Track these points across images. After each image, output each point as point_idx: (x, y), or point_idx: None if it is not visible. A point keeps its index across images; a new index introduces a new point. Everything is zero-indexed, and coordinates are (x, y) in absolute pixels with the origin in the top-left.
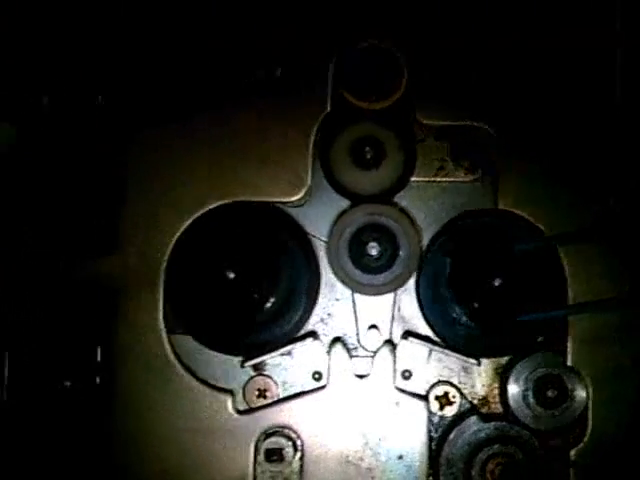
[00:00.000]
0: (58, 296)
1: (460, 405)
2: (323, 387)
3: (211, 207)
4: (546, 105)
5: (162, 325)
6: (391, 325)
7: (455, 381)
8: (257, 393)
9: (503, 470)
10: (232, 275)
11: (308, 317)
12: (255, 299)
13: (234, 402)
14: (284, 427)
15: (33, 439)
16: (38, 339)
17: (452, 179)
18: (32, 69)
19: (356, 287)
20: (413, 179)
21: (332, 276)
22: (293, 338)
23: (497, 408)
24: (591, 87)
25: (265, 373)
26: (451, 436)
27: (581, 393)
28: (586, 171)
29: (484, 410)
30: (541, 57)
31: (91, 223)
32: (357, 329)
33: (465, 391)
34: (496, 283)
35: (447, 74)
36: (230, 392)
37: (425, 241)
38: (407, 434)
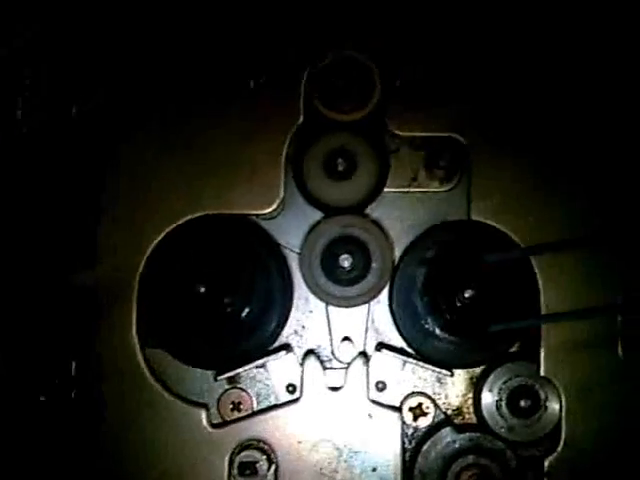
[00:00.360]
0: (33, 310)
1: (434, 416)
2: (297, 400)
3: (184, 220)
4: (519, 116)
5: (136, 339)
6: (365, 337)
7: (429, 392)
8: (231, 406)
9: None
10: (203, 289)
11: (282, 329)
12: (228, 312)
13: (208, 416)
14: (258, 440)
15: (8, 453)
16: (13, 353)
17: (425, 189)
18: (6, 80)
19: (329, 299)
20: (386, 190)
21: (305, 288)
22: (267, 351)
23: (471, 418)
24: (565, 97)
25: (239, 386)
26: (425, 447)
27: (554, 403)
28: (558, 182)
29: (458, 420)
30: (514, 67)
31: (66, 238)
32: (331, 341)
33: (439, 402)
34: (467, 294)
35: (420, 85)
36: (204, 406)
37: (398, 252)
38: (381, 446)
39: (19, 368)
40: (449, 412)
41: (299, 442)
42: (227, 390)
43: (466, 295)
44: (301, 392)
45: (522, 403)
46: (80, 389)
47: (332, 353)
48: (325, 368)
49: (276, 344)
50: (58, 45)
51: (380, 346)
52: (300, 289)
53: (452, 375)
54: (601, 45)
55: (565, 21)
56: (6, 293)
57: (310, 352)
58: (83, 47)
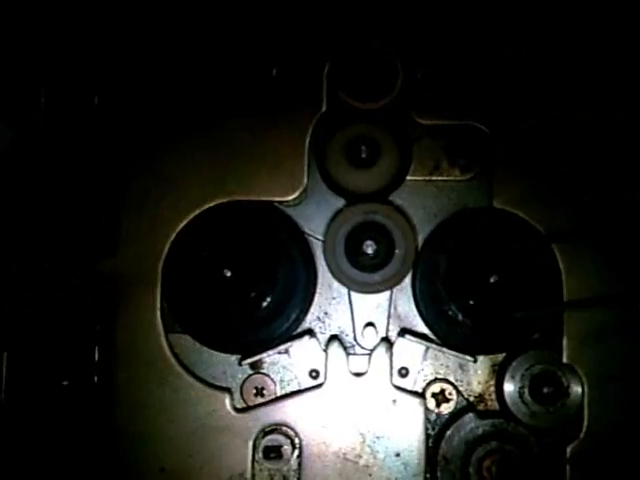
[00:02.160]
0: (57, 296)
1: (456, 402)
2: (320, 385)
3: (208, 206)
4: (541, 104)
5: (160, 324)
6: (387, 323)
7: (451, 378)
8: (254, 391)
9: (500, 467)
10: (229, 273)
11: (305, 315)
12: (252, 297)
13: (232, 400)
14: (282, 425)
15: (32, 438)
16: (37, 339)
17: (447, 178)
18: (30, 69)
19: (352, 285)
20: (409, 178)
21: (329, 275)
22: (290, 336)
23: (493, 405)
24: (587, 84)
25: (262, 371)
26: (448, 433)
27: (577, 390)
28: (580, 169)
29: (480, 407)
30: (538, 53)
31: (91, 225)
32: (354, 327)
33: (461, 388)
34: (492, 280)
35: (442, 73)
36: (228, 390)
37: (420, 239)
38: (404, 431)
39: (42, 353)
40: (471, 399)
41: (323, 427)
42: (250, 375)
43: (491, 281)
44: (325, 378)
45: (545, 390)
46: (103, 374)
47: (355, 339)
48: (348, 354)
49: (299, 330)
50: (81, 34)
51: (403, 332)
52: (323, 276)
53: (475, 361)
54: (625, 35)
55: (587, 12)
56: (31, 280)
57: (334, 338)
58: (106, 35)
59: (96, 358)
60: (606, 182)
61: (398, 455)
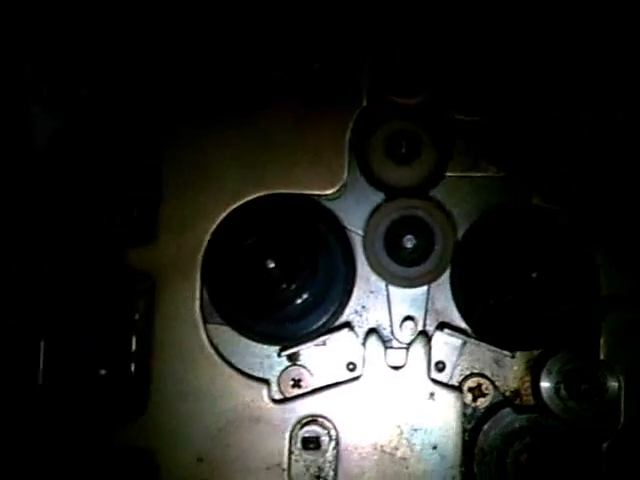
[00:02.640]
0: (95, 285)
1: (493, 397)
2: (357, 378)
3: (248, 199)
4: (580, 100)
5: (199, 315)
6: (425, 317)
7: (488, 373)
8: (292, 383)
9: (535, 461)
10: (272, 265)
11: (343, 309)
12: (292, 289)
13: (269, 391)
14: (319, 416)
15: (68, 426)
16: (74, 327)
17: (486, 174)
18: (72, 60)
19: (391, 279)
20: (448, 174)
21: (367, 268)
22: (328, 329)
23: (529, 400)
24: (623, 79)
25: (299, 363)
26: (485, 427)
27: (613, 386)
28: (618, 168)
29: (516, 402)
30: (573, 50)
31: (130, 213)
32: (391, 321)
33: (498, 383)
34: (533, 275)
35: (481, 71)
36: (266, 382)
37: (460, 235)
38: (441, 425)
39: (80, 342)
40: (507, 394)
41: (360, 419)
42: (288, 367)
43: (532, 276)
44: (362, 370)
45: (581, 387)
46: (140, 364)
47: (392, 333)
48: (386, 347)
49: (337, 323)
50: (121, 28)
51: (441, 326)
52: (362, 269)
53: (513, 357)
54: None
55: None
56: (69, 268)
57: (371, 331)
58: (144, 30)
59: (133, 348)
60: None
61: (435, 448)
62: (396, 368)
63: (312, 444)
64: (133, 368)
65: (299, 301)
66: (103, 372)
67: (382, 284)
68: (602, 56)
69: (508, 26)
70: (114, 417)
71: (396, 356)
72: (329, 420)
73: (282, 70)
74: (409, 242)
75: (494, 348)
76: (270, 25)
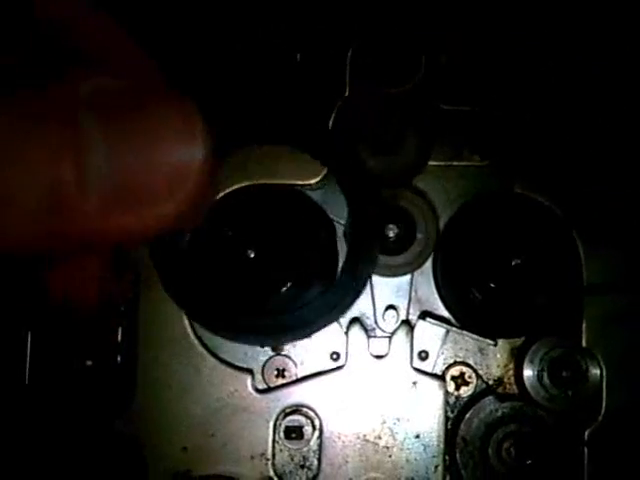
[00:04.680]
0: None
1: (476, 385)
2: (341, 367)
3: (230, 190)
4: (564, 91)
5: None
6: (408, 306)
7: (471, 362)
8: (276, 372)
9: (518, 449)
10: (252, 254)
11: None
12: (274, 279)
13: (253, 381)
14: (303, 406)
15: (55, 418)
16: (59, 319)
17: (469, 163)
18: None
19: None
20: (431, 163)
21: None
22: None
23: (512, 389)
24: (612, 67)
25: (284, 353)
26: (467, 416)
27: (595, 373)
28: (602, 156)
29: (499, 390)
30: (558, 40)
31: None
32: (374, 310)
33: (481, 372)
34: (513, 263)
35: (465, 60)
36: (250, 371)
37: (442, 223)
38: (424, 414)
39: (66, 333)
40: (490, 382)
41: (343, 409)
42: (272, 357)
43: (512, 264)
44: (345, 360)
45: (563, 374)
46: (126, 355)
47: (375, 322)
48: (369, 336)
49: None
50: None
51: (424, 315)
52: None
53: (495, 345)
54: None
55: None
56: None
57: (354, 320)
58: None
59: (119, 339)
60: (628, 167)
61: (418, 437)
62: (379, 357)
63: (294, 434)
64: (119, 359)
65: (282, 291)
66: (89, 363)
67: None
68: (585, 44)
69: (490, 14)
70: (101, 408)
71: (379, 345)
72: (312, 409)
73: (265, 61)
74: (391, 231)
75: (477, 336)
76: (251, 15)
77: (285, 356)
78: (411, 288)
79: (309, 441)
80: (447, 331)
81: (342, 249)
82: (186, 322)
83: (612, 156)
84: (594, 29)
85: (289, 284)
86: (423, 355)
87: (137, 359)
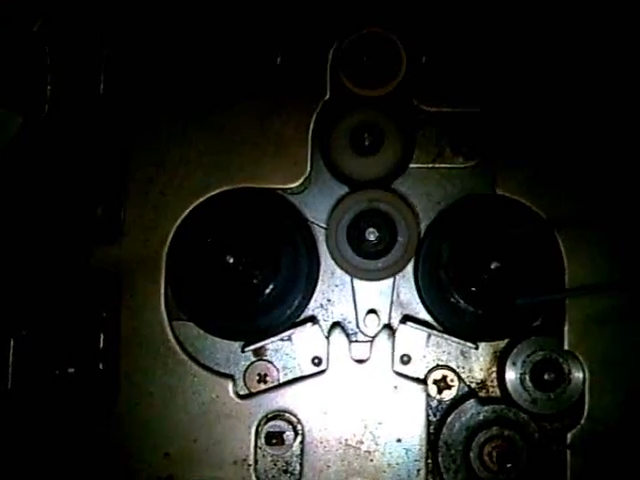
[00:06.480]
0: (62, 284)
1: (458, 389)
2: (323, 372)
3: (211, 194)
4: (544, 91)
5: (164, 312)
6: (390, 310)
7: (453, 365)
8: (257, 378)
9: (500, 452)
10: (231, 260)
11: (308, 302)
12: (254, 284)
13: (235, 387)
14: (284, 411)
15: (38, 425)
16: (42, 326)
17: (450, 165)
18: (35, 56)
19: (355, 272)
20: (412, 165)
21: (331, 262)
22: (293, 323)
23: (495, 392)
24: (590, 71)
25: (265, 358)
26: (449, 419)
27: (578, 376)
28: (582, 156)
29: (482, 394)
30: (542, 42)
31: (94, 211)
32: (356, 314)
33: (463, 375)
34: (493, 266)
35: (445, 61)
36: (231, 377)
37: (423, 226)
38: (406, 418)
39: (48, 341)
40: (473, 385)
41: (325, 413)
42: (253, 362)
43: (492, 267)
44: (327, 364)
45: (546, 376)
46: (108, 361)
47: (357, 326)
48: (351, 341)
49: (302, 317)
50: (87, 22)
51: (405, 319)
52: (326, 263)
53: (477, 348)
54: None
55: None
56: (35, 267)
57: (336, 325)
58: (110, 23)
59: (101, 345)
60: (608, 168)
61: (399, 441)
62: (361, 362)
63: (276, 439)
64: (101, 366)
65: (263, 296)
66: (72, 370)
67: (347, 277)
68: (566, 44)
69: (472, 15)
70: (83, 414)
71: (361, 350)
72: (294, 415)
73: (244, 64)
74: (372, 235)
75: (458, 340)
76: (232, 19)
77: (267, 361)
78: (392, 292)
79: (291, 446)
80: (429, 335)
81: (322, 251)
82: (167, 328)
83: (593, 158)
84: (575, 29)
85: (272, 286)
86: (405, 359)
87: (119, 366)
